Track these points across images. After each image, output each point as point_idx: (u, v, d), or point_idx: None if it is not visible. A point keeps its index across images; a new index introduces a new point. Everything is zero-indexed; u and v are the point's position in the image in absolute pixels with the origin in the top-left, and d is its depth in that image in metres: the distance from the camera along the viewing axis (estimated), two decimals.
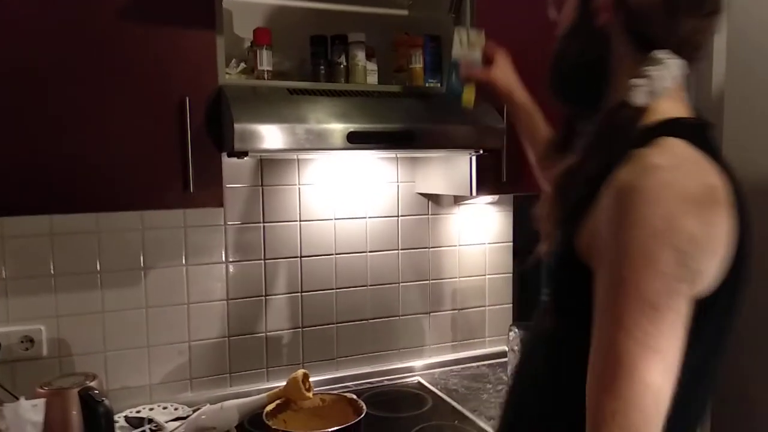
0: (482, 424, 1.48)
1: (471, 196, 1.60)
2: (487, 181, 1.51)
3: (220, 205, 1.30)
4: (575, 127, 0.92)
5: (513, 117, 1.26)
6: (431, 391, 1.70)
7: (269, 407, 1.31)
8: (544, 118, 1.22)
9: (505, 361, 1.91)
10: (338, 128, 1.24)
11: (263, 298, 1.68)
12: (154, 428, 1.42)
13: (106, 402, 1.21)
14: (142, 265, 1.56)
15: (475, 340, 1.94)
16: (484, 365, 1.90)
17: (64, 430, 1.21)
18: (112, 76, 1.23)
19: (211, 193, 1.30)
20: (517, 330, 1.62)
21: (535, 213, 0.85)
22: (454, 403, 1.60)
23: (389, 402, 1.63)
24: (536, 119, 1.22)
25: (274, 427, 1.24)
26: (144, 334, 1.57)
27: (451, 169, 1.61)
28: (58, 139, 1.20)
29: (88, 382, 1.26)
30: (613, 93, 0.82)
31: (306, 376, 1.37)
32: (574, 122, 0.93)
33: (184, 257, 1.59)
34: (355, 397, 1.38)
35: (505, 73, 1.24)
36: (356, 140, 1.24)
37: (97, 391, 1.22)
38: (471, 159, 1.51)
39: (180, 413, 1.52)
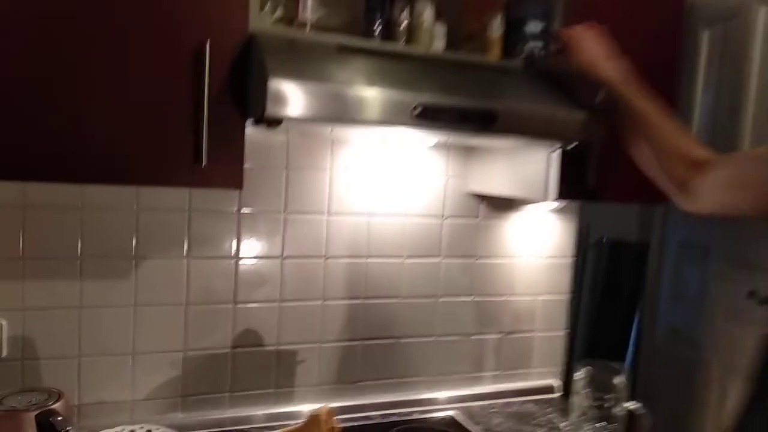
0: None
1: (543, 201, 1.30)
2: (570, 183, 1.21)
3: (239, 186, 1.01)
4: None
5: (621, 117, 1.01)
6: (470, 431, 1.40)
7: None
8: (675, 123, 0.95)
9: (553, 398, 1.62)
10: (404, 100, 0.94)
11: (277, 304, 1.38)
12: None
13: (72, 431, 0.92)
14: (133, 253, 1.26)
15: (521, 371, 1.65)
16: (530, 401, 1.60)
17: None
18: (112, 10, 0.93)
19: (228, 171, 1.00)
20: (590, 369, 1.32)
21: None
22: None
23: None
24: (660, 124, 0.96)
25: None
26: (129, 338, 1.27)
27: (521, 166, 1.31)
28: (43, 89, 0.90)
29: (50, 403, 0.97)
30: None
31: (330, 415, 1.07)
32: None
33: (185, 247, 1.29)
34: None
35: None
36: (427, 116, 0.94)
37: (60, 418, 0.92)
38: (552, 155, 1.21)
39: None
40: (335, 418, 1.08)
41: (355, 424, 1.40)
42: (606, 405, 1.28)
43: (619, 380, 1.27)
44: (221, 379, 1.35)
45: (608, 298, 2.16)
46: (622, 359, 2.10)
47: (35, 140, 0.91)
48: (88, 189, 1.21)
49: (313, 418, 1.04)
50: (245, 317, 1.36)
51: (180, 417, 1.32)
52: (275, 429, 1.34)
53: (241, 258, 1.34)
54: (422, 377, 1.53)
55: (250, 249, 1.35)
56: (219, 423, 1.33)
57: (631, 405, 1.26)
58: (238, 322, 1.35)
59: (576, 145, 1.12)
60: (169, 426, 1.27)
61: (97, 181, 0.98)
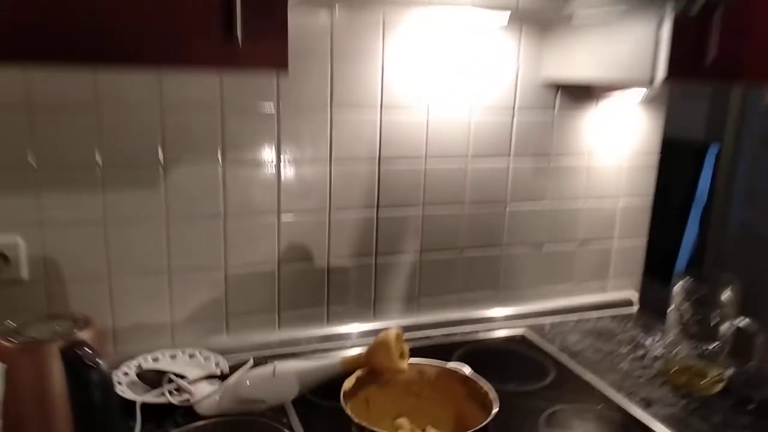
0: (643, 415, 1.03)
1: (645, 84, 1.08)
2: (684, 59, 0.98)
3: (283, 65, 0.81)
4: None
5: None
6: (546, 352, 1.25)
7: (348, 383, 0.87)
8: None
9: (631, 313, 1.46)
10: None
11: (327, 214, 1.21)
12: (176, 389, 1.00)
13: (102, 365, 0.78)
14: (161, 158, 1.09)
15: (596, 284, 1.48)
16: (606, 318, 1.44)
17: (36, 406, 0.79)
18: None
19: (268, 47, 0.80)
20: (689, 281, 1.13)
21: None
22: (588, 375, 1.16)
23: (492, 365, 1.19)
24: None
25: (356, 420, 0.80)
26: (163, 254, 1.12)
27: (617, 41, 1.07)
28: None
29: (77, 330, 0.83)
30: None
31: (399, 338, 0.92)
32: None
33: (220, 152, 1.12)
34: (468, 370, 0.93)
35: None
36: None
37: (88, 350, 0.78)
38: (661, 23, 0.98)
39: (211, 366, 1.10)
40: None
41: (415, 345, 1.25)
42: (708, 322, 1.11)
43: (726, 295, 1.09)
44: (267, 299, 1.21)
45: (682, 201, 1.97)
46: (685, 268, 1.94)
47: (33, 12, 0.71)
48: (102, 82, 1.03)
49: (381, 344, 0.89)
50: (290, 230, 1.19)
51: (225, 340, 1.19)
52: (327, 351, 1.21)
53: (283, 163, 1.16)
54: (488, 291, 1.37)
55: (293, 152, 1.16)
56: (267, 345, 1.20)
57: (740, 322, 1.09)
58: (282, 236, 1.19)
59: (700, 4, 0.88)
60: (213, 349, 1.15)
61: (105, 61, 0.79)
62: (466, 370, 0.93)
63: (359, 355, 0.91)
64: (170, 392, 0.99)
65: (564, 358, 1.22)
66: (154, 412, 0.97)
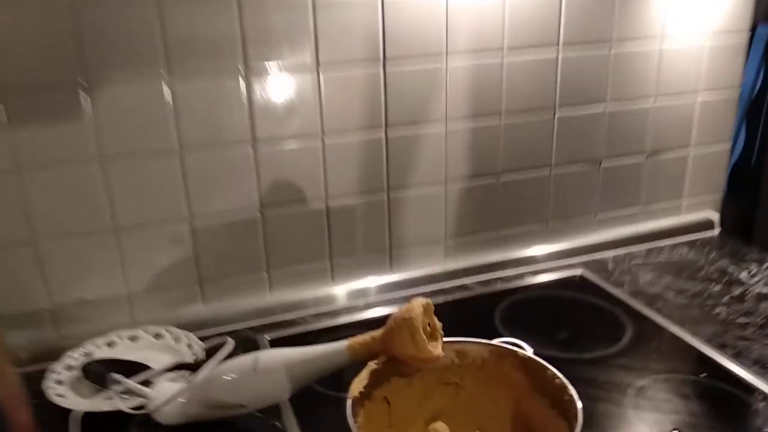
0: (760, 383, 0.76)
1: None
2: None
3: None
4: None
5: None
6: (615, 297, 0.97)
7: (357, 385, 0.59)
8: None
9: (712, 237, 1.17)
10: None
11: (319, 139, 0.91)
12: (126, 392, 0.74)
13: None
14: (83, 79, 0.78)
15: (667, 205, 1.18)
16: (682, 246, 1.15)
17: None
18: None
19: None
20: None
21: None
22: (675, 328, 0.88)
23: (545, 321, 0.92)
24: None
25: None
26: (104, 207, 0.84)
27: None
28: None
29: None
30: None
31: (428, 311, 0.64)
32: None
33: (163, 61, 0.81)
34: (529, 350, 0.65)
35: None
36: None
37: None
38: None
39: (182, 350, 0.84)
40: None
41: (448, 298, 0.99)
42: None
43: None
44: (251, 255, 0.93)
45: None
46: None
47: None
48: None
49: (404, 323, 0.61)
50: (273, 163, 0.90)
51: (202, 310, 0.93)
52: (336, 315, 0.94)
53: (252, 72, 0.85)
54: (534, 224, 1.09)
55: (264, 55, 0.85)
56: (256, 312, 0.94)
57: None
58: (263, 172, 0.90)
59: None
60: (190, 324, 0.89)
61: None
62: (527, 349, 0.65)
63: (373, 338, 0.64)
64: (121, 395, 0.73)
65: (639, 306, 0.94)
66: (106, 420, 0.71)
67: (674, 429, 0.69)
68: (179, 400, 0.70)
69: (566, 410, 0.57)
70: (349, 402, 0.57)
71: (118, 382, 0.73)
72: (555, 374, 0.60)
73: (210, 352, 0.77)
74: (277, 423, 0.72)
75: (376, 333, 0.63)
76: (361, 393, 0.59)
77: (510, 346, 0.65)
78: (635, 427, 0.70)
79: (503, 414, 0.65)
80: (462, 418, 0.65)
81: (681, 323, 0.89)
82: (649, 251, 1.13)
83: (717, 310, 0.93)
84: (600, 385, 0.76)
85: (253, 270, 0.94)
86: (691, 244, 1.15)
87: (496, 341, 0.67)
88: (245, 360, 0.68)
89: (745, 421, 0.71)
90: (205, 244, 0.90)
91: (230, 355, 0.74)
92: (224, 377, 0.68)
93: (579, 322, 0.92)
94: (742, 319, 0.90)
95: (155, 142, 0.83)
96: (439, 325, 0.65)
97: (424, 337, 0.61)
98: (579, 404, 0.55)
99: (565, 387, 0.58)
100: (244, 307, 0.94)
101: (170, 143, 0.84)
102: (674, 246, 1.14)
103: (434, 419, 0.65)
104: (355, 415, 0.57)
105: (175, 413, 0.70)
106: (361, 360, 0.63)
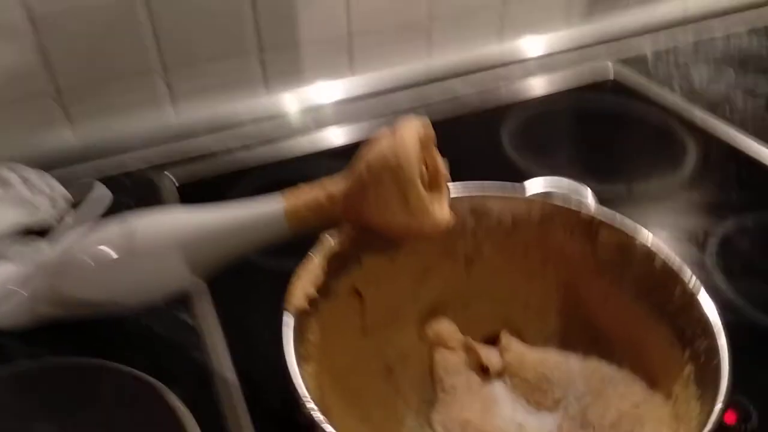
0: None
1: None
2: None
3: None
4: None
5: None
6: (663, 105, 0.70)
7: (301, 283, 0.32)
8: None
9: None
10: None
11: None
12: None
13: None
14: None
15: None
16: (738, 27, 0.85)
17: None
18: None
19: None
20: None
21: None
22: (757, 147, 0.63)
23: (570, 141, 0.66)
24: None
25: (307, 407, 0.28)
26: None
27: None
28: None
29: None
30: None
31: (428, 140, 0.35)
32: None
33: None
34: (591, 203, 0.39)
35: None
36: None
37: None
38: None
39: (36, 201, 0.55)
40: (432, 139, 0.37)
41: (432, 113, 0.69)
42: None
43: None
44: (136, 48, 0.60)
45: None
46: None
47: None
48: None
49: (391, 168, 0.33)
50: None
51: (68, 138, 0.62)
52: (273, 140, 0.66)
53: None
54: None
55: None
56: (156, 140, 0.64)
57: None
58: None
59: None
60: (50, 159, 0.60)
61: None
62: (589, 198, 0.39)
63: (329, 195, 0.35)
64: None
65: (700, 117, 0.67)
66: None
67: None
68: (18, 292, 0.44)
69: (681, 326, 0.32)
70: (289, 320, 0.31)
71: None
72: (639, 240, 0.34)
73: (80, 205, 0.50)
74: (185, 317, 0.46)
75: (335, 185, 0.35)
76: (309, 299, 0.32)
77: (560, 201, 0.38)
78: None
79: (545, 305, 0.40)
80: (476, 311, 0.40)
81: (760, 136, 0.63)
82: (698, 41, 0.83)
83: None
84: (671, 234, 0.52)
85: (140, 74, 0.62)
86: (750, 28, 0.86)
87: (531, 186, 0.40)
88: (114, 232, 0.40)
89: None
90: (54, 39, 0.57)
91: (108, 212, 0.47)
92: (84, 259, 0.41)
93: (614, 140, 0.65)
94: None
95: None
96: (442, 164, 0.37)
97: (423, 192, 0.33)
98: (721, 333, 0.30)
99: (693, 297, 0.32)
100: (131, 130, 0.63)
101: None
102: (729, 28, 0.85)
103: (433, 314, 0.40)
104: (302, 332, 0.32)
105: (14, 313, 0.44)
106: (308, 230, 0.36)
